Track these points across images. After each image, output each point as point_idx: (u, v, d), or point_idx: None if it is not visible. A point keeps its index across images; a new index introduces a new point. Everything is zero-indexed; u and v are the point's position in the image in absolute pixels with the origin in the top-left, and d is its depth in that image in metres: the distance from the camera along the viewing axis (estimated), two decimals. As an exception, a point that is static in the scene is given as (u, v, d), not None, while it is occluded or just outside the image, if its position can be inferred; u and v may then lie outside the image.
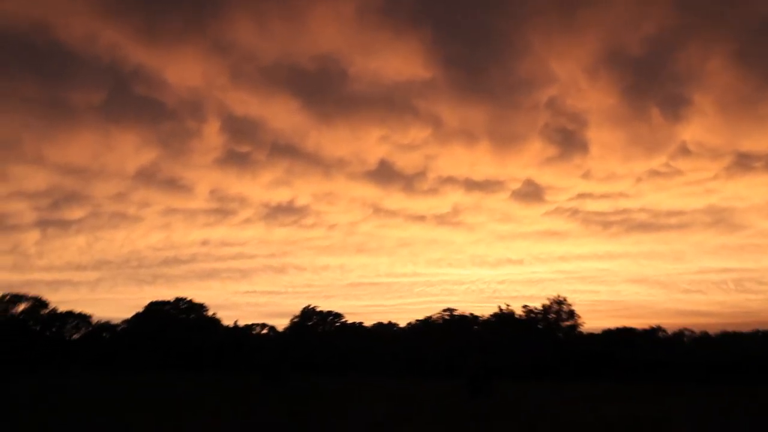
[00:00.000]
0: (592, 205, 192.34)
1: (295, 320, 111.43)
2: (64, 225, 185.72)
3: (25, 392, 46.35)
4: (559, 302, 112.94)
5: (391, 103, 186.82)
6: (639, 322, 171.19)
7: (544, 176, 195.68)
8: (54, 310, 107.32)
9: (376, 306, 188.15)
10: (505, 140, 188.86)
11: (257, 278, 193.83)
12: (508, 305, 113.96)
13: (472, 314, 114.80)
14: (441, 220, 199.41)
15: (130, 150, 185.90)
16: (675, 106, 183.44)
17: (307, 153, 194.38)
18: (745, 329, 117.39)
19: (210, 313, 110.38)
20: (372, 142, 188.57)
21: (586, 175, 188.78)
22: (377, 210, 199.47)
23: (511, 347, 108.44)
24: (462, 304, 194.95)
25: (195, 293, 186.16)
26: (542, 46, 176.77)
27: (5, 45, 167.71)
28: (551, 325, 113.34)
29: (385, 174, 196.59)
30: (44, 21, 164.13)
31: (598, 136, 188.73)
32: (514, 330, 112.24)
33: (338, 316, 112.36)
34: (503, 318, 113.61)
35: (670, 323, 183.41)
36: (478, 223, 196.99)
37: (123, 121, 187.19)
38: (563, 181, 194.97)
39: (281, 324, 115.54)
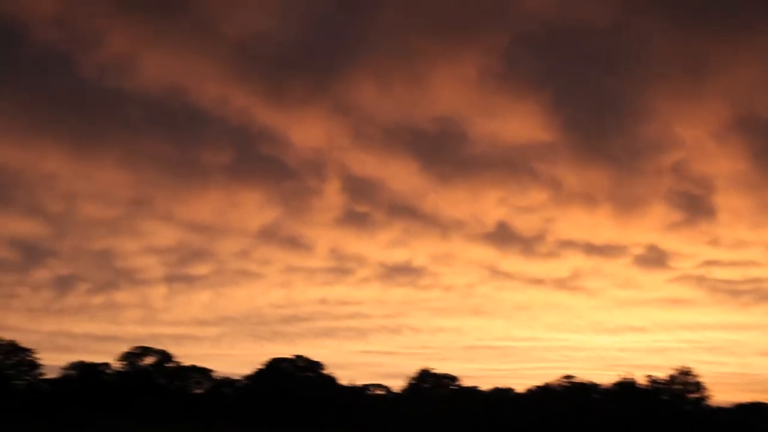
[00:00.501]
0: (719, 273, 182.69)
1: (411, 382, 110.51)
2: (190, 280, 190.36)
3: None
4: (685, 373, 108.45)
5: (510, 165, 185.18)
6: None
7: (669, 242, 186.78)
8: (178, 364, 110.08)
9: (493, 370, 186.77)
10: (627, 204, 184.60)
11: (373, 338, 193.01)
12: (630, 374, 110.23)
13: (592, 382, 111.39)
14: (560, 284, 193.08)
15: (253, 208, 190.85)
16: None
17: (425, 214, 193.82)
18: None
19: (327, 371, 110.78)
20: (490, 204, 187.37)
21: (714, 242, 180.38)
22: (494, 272, 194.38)
23: (634, 418, 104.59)
24: (581, 371, 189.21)
25: (312, 351, 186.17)
26: (667, 109, 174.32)
27: (143, 108, 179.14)
28: (677, 396, 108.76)
29: (503, 236, 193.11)
30: (179, 85, 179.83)
31: (726, 201, 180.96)
32: (636, 400, 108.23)
33: (454, 378, 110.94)
34: (625, 387, 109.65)
35: None
36: (599, 288, 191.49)
37: (248, 180, 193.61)
38: (689, 247, 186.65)
39: (396, 385, 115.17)
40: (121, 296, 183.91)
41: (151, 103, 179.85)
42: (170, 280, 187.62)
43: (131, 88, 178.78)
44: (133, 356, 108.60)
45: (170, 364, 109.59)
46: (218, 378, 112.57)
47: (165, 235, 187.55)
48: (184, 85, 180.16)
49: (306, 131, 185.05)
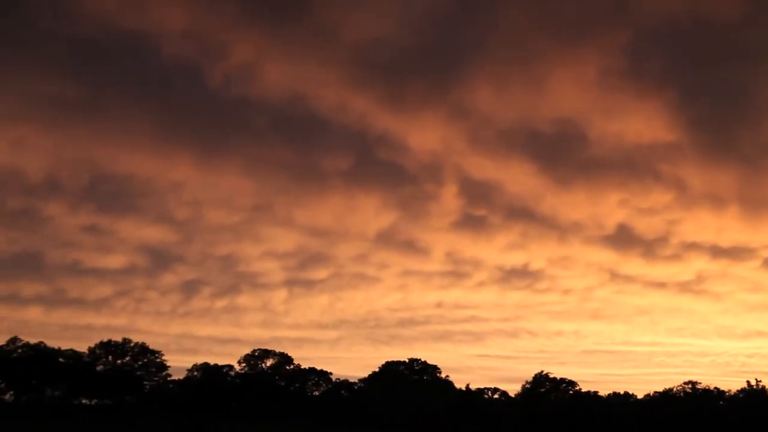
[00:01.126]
0: None
1: (527, 386, 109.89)
2: (309, 284, 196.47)
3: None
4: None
5: (632, 167, 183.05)
6: None
7: None
8: (298, 366, 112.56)
9: (612, 375, 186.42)
10: (757, 205, 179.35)
11: (490, 342, 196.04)
12: (758, 381, 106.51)
13: (717, 389, 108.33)
14: (683, 287, 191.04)
15: (371, 213, 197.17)
16: None
17: (543, 216, 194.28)
18: None
19: (443, 375, 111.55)
20: (610, 206, 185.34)
21: None
22: (614, 275, 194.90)
23: (762, 426, 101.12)
24: (706, 378, 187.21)
25: (428, 355, 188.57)
26: None
27: (265, 116, 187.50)
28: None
29: (623, 239, 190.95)
30: (300, 92, 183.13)
31: None
32: (765, 407, 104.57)
33: (572, 383, 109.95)
34: (754, 394, 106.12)
35: None
36: (725, 292, 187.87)
37: (366, 185, 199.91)
38: None
39: (513, 389, 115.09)
40: (243, 300, 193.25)
41: (273, 111, 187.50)
42: (290, 284, 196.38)
43: (254, 97, 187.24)
44: (254, 358, 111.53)
45: (290, 366, 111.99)
46: (336, 380, 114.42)
47: (285, 240, 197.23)
48: (305, 92, 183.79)
49: (423, 136, 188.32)
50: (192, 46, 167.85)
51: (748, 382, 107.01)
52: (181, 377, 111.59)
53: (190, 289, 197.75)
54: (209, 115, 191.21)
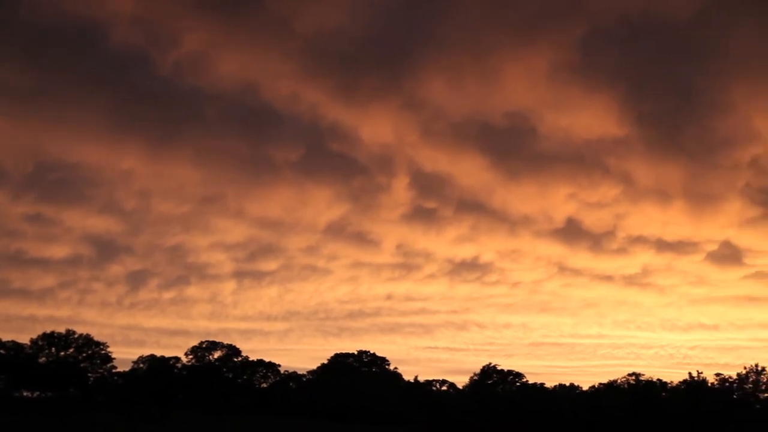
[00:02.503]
0: None
1: (475, 378, 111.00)
2: (259, 276, 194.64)
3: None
4: (758, 372, 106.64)
5: (581, 161, 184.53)
6: None
7: (744, 238, 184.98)
8: (246, 359, 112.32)
9: (559, 367, 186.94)
10: (701, 200, 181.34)
11: (439, 334, 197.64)
12: (699, 372, 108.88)
13: (659, 380, 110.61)
14: (629, 280, 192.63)
15: (322, 204, 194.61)
16: None
17: (493, 210, 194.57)
18: None
19: (392, 367, 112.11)
20: (560, 200, 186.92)
21: None
22: (562, 269, 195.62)
23: (703, 417, 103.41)
24: (649, 369, 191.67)
25: (378, 347, 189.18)
26: (746, 103, 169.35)
27: (217, 106, 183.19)
28: (748, 395, 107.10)
29: (572, 232, 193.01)
30: (253, 83, 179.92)
31: None
32: (705, 399, 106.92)
33: (519, 375, 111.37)
34: (694, 386, 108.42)
35: None
36: (670, 285, 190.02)
37: (318, 177, 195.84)
38: (765, 243, 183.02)
39: (461, 381, 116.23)
40: (192, 291, 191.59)
41: (225, 101, 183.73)
42: (239, 275, 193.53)
43: (206, 86, 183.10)
44: (201, 350, 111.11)
45: (237, 359, 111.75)
46: (284, 372, 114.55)
47: (235, 232, 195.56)
48: (257, 83, 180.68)
49: (375, 127, 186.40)
50: (142, 34, 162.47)
51: (689, 374, 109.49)
52: (127, 369, 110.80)
53: (136, 280, 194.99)
54: (159, 104, 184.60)
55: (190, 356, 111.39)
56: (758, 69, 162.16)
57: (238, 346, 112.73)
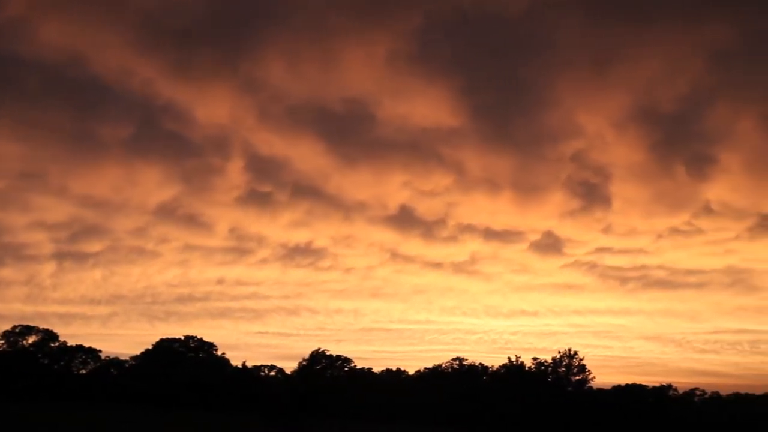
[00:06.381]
0: (610, 260, 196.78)
1: (304, 363, 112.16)
2: (82, 258, 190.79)
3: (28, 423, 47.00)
4: (570, 356, 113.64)
5: (416, 149, 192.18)
6: (650, 380, 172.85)
7: (564, 228, 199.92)
8: (64, 344, 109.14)
9: (388, 352, 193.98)
10: (527, 191, 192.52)
11: (270, 319, 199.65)
12: (518, 357, 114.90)
13: (481, 364, 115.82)
14: (458, 268, 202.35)
15: (152, 185, 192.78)
16: (701, 165, 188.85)
17: (329, 195, 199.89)
18: (758, 391, 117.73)
19: (220, 352, 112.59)
20: (394, 187, 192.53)
21: (607, 230, 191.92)
22: (395, 255, 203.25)
23: (519, 399, 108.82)
24: (473, 354, 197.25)
25: (207, 332, 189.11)
26: (571, 99, 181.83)
27: (39, 76, 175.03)
28: (561, 378, 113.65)
29: (405, 219, 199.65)
30: (80, 54, 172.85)
31: (621, 190, 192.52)
32: (522, 382, 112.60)
33: (348, 360, 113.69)
34: (512, 369, 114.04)
35: (682, 382, 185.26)
36: (495, 273, 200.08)
37: (148, 156, 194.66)
38: (583, 234, 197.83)
39: (291, 366, 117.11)
40: (7, 273, 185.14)
41: (48, 71, 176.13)
42: (60, 256, 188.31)
43: (27, 55, 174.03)
44: (14, 335, 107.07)
45: (54, 344, 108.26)
46: (105, 358, 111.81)
47: (57, 210, 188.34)
48: (86, 54, 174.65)
49: (211, 107, 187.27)
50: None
51: (509, 358, 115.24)
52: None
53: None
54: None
55: (2, 341, 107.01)
56: (582, 66, 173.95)
57: (56, 331, 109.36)
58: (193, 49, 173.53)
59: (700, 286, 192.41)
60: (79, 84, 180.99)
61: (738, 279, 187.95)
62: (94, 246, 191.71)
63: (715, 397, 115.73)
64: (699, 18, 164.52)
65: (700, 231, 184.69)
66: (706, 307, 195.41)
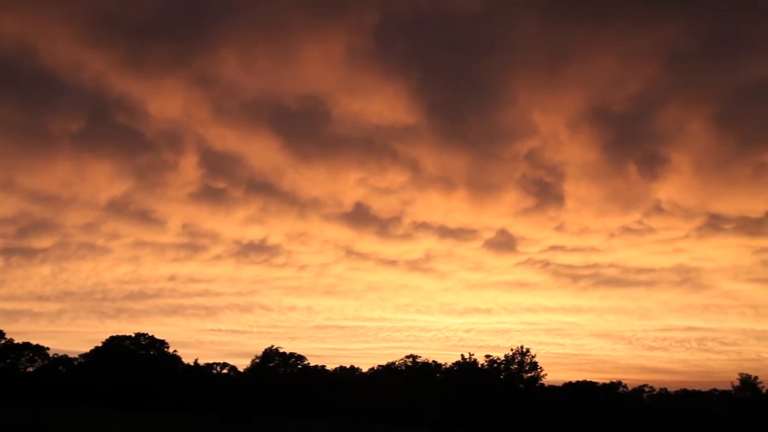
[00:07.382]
0: (563, 258, 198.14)
1: (257, 361, 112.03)
2: (30, 254, 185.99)
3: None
4: (522, 353, 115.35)
5: (372, 147, 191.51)
6: (601, 377, 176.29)
7: (518, 227, 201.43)
8: (10, 341, 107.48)
9: (341, 349, 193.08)
10: (482, 189, 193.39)
11: (223, 316, 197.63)
12: (471, 354, 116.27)
13: (435, 362, 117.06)
14: (412, 265, 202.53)
15: (103, 180, 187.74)
16: (652, 165, 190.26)
17: (284, 192, 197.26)
18: (705, 388, 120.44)
19: (171, 350, 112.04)
20: (349, 184, 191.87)
21: (560, 228, 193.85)
22: (349, 252, 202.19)
23: (472, 396, 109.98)
24: (427, 351, 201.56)
25: (159, 329, 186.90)
26: (526, 98, 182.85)
27: None
28: (513, 375, 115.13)
29: (360, 217, 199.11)
30: (29, 45, 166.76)
31: (574, 189, 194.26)
32: (475, 379, 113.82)
33: (301, 358, 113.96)
34: (465, 367, 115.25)
35: (632, 379, 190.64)
36: (449, 270, 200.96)
37: (99, 151, 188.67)
38: (536, 232, 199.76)
39: (243, 364, 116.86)
40: None
41: None
42: (7, 252, 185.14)
43: None
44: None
45: (0, 341, 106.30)
46: (54, 356, 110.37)
47: (4, 205, 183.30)
48: (35, 46, 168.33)
49: (164, 102, 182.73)
50: None
51: (462, 355, 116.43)
52: None
53: None
54: None
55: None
56: (538, 65, 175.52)
57: (2, 328, 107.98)
58: (147, 43, 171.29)
59: (650, 284, 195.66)
60: (29, 76, 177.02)
61: (687, 278, 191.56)
62: (43, 242, 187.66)
63: (664, 393, 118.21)
64: (654, 19, 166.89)
65: (650, 230, 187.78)
66: (655, 305, 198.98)
